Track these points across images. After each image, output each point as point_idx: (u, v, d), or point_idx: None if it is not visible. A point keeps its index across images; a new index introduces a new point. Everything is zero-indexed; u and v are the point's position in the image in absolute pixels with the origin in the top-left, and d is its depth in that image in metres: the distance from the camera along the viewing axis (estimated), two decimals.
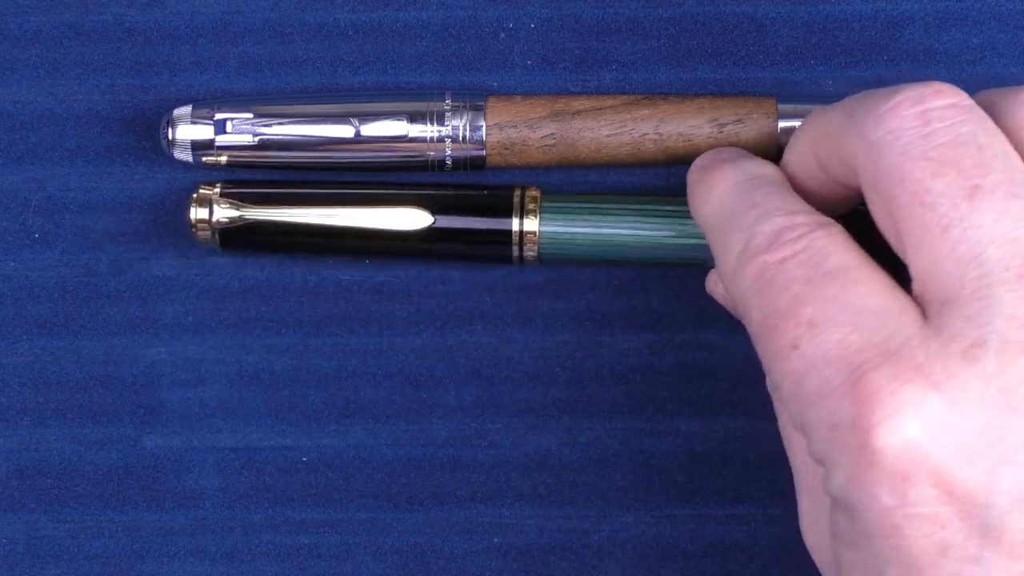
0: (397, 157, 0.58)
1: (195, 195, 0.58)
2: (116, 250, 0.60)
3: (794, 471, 0.55)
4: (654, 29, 0.59)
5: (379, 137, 0.58)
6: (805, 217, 0.50)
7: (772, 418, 0.60)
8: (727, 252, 0.51)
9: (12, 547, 0.61)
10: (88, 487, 0.60)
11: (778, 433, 0.60)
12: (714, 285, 0.57)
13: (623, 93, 0.59)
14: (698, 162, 0.56)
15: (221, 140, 0.58)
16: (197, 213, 0.58)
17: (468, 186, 0.59)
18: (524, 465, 0.60)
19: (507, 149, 0.58)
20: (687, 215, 0.57)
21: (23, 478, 0.61)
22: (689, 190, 0.55)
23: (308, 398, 0.60)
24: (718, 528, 0.60)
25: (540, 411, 0.60)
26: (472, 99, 0.58)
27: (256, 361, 0.60)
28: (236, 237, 0.58)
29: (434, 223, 0.58)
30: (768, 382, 0.54)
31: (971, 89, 0.59)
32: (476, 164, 0.59)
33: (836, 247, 0.49)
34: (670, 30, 0.59)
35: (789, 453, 0.55)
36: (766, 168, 0.54)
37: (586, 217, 0.58)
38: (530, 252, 0.58)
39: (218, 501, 0.60)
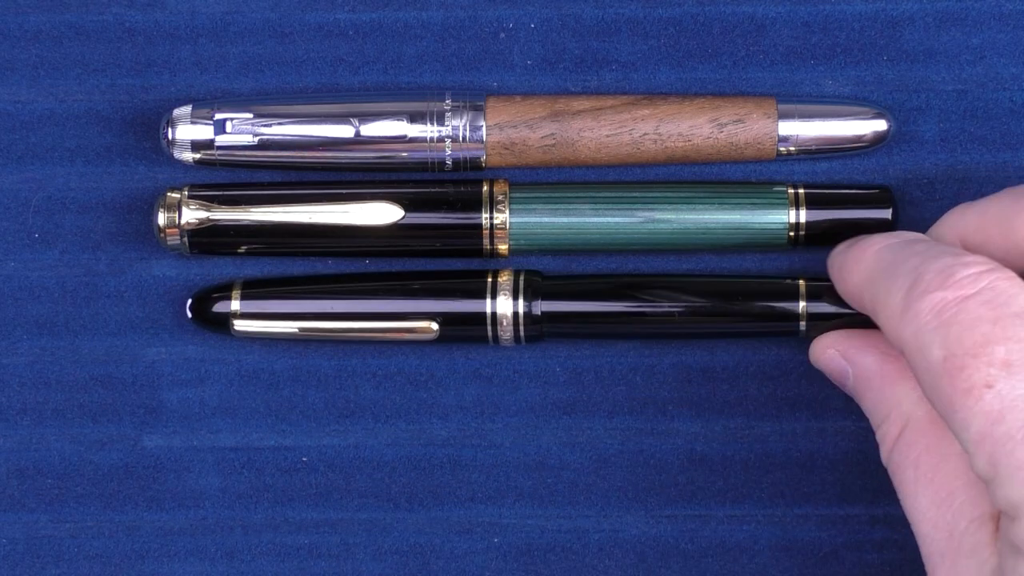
0: (397, 157, 0.58)
1: (162, 199, 0.58)
2: (116, 250, 0.60)
3: (929, 543, 0.52)
4: (654, 29, 0.59)
5: (379, 137, 0.58)
6: (977, 259, 0.50)
7: (772, 418, 0.60)
8: (889, 297, 0.51)
9: (12, 547, 0.61)
10: (88, 487, 0.60)
11: (778, 433, 0.60)
12: (821, 353, 0.57)
13: (623, 93, 0.59)
14: (839, 246, 0.56)
15: (221, 140, 0.58)
16: (164, 218, 0.58)
17: (437, 180, 0.59)
18: (524, 465, 0.60)
19: (507, 149, 0.58)
20: (655, 202, 0.58)
21: (23, 478, 0.61)
22: (835, 266, 0.56)
23: (308, 398, 0.60)
24: (718, 528, 0.60)
25: (540, 411, 0.60)
26: (472, 99, 0.58)
27: (256, 361, 0.60)
28: (206, 239, 0.58)
29: (404, 218, 0.58)
30: (886, 455, 0.54)
31: (971, 89, 0.59)
32: (476, 164, 0.59)
33: (1020, 290, 0.49)
34: (670, 30, 0.59)
35: (924, 527, 0.53)
36: (918, 233, 0.55)
37: (555, 208, 0.58)
38: (500, 245, 0.58)
39: (218, 501, 0.60)
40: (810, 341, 0.58)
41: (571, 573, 0.60)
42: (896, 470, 0.54)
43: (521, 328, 0.58)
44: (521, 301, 0.58)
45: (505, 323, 0.58)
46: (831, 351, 0.57)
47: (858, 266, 0.54)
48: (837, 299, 0.57)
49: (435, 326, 0.58)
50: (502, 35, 0.59)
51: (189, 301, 0.59)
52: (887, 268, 0.52)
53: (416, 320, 0.57)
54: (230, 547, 0.61)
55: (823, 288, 0.57)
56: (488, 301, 0.58)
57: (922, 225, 0.59)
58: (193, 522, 0.61)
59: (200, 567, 0.61)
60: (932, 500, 0.52)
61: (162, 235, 0.58)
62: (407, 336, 0.58)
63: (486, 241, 0.58)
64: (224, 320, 0.58)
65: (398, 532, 0.61)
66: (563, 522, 0.60)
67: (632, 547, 0.60)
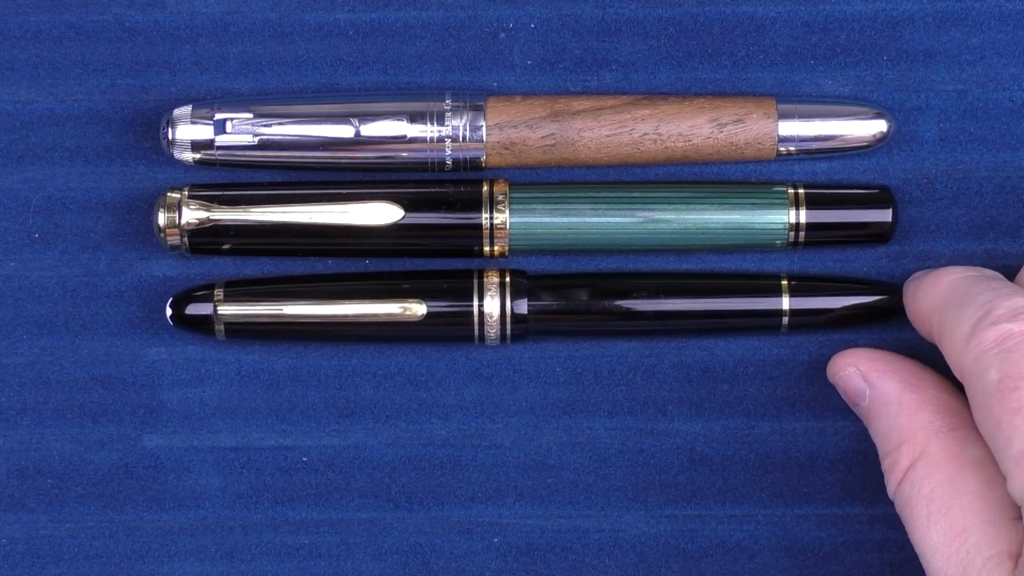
0: (397, 157, 0.58)
1: (162, 199, 0.58)
2: (116, 250, 0.60)
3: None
4: (654, 29, 0.59)
5: (379, 137, 0.58)
6: None
7: (772, 418, 0.60)
8: (958, 324, 0.52)
9: (12, 547, 0.61)
10: (88, 487, 0.60)
11: (778, 433, 0.60)
12: (840, 370, 0.57)
13: (623, 93, 0.59)
14: (917, 274, 0.57)
15: (221, 140, 0.58)
16: (164, 218, 0.58)
17: (437, 180, 0.59)
18: (524, 465, 0.60)
19: (507, 149, 0.58)
20: (654, 202, 0.58)
21: (23, 478, 0.61)
22: (909, 289, 0.56)
23: (308, 398, 0.60)
24: (718, 528, 0.60)
25: (540, 411, 0.60)
26: (472, 99, 0.58)
27: (256, 361, 0.60)
28: (206, 239, 0.58)
29: (404, 218, 0.58)
30: (894, 484, 0.54)
31: (971, 89, 0.59)
32: (476, 164, 0.59)
33: None
34: (670, 30, 0.59)
35: (936, 561, 0.52)
36: (995, 272, 0.56)
37: (554, 208, 0.58)
38: (500, 245, 0.58)
39: (218, 501, 0.60)
40: (792, 337, 0.58)
41: (571, 573, 0.60)
42: (906, 502, 0.53)
43: (508, 327, 0.58)
44: (508, 300, 0.58)
45: (491, 321, 0.58)
46: (851, 369, 0.57)
47: (933, 291, 0.55)
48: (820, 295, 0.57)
49: (423, 308, 0.58)
50: (502, 35, 0.59)
51: (169, 301, 0.59)
52: (961, 297, 0.53)
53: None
54: (230, 547, 0.61)
55: (806, 286, 0.58)
56: (475, 301, 0.58)
57: (922, 225, 0.59)
58: (193, 522, 0.61)
59: (200, 567, 0.61)
60: (945, 535, 0.52)
61: (162, 235, 0.58)
62: (396, 317, 0.58)
63: (486, 241, 0.58)
64: (206, 320, 0.58)
65: (398, 532, 0.61)
66: (563, 522, 0.60)
67: (632, 547, 0.60)
